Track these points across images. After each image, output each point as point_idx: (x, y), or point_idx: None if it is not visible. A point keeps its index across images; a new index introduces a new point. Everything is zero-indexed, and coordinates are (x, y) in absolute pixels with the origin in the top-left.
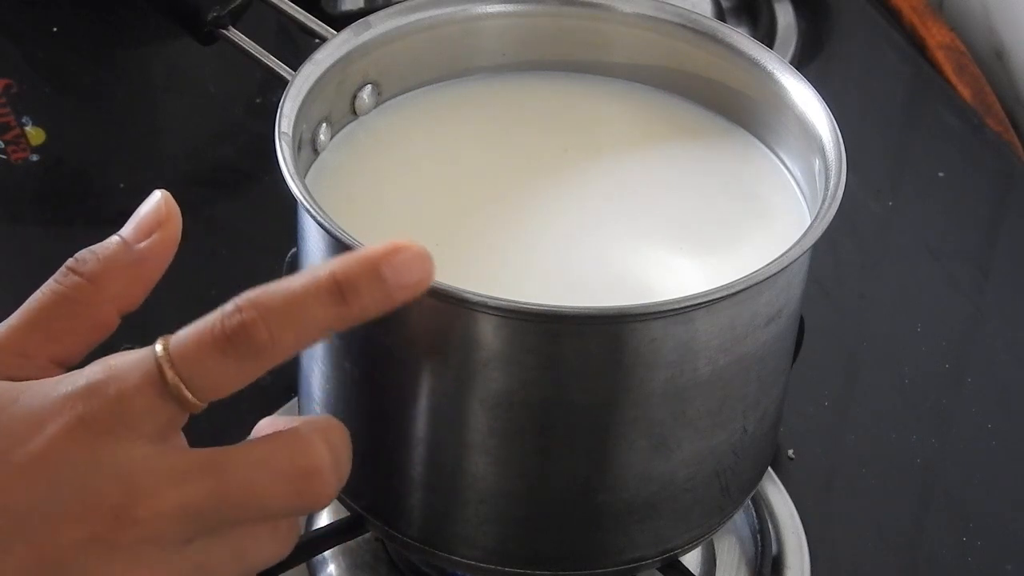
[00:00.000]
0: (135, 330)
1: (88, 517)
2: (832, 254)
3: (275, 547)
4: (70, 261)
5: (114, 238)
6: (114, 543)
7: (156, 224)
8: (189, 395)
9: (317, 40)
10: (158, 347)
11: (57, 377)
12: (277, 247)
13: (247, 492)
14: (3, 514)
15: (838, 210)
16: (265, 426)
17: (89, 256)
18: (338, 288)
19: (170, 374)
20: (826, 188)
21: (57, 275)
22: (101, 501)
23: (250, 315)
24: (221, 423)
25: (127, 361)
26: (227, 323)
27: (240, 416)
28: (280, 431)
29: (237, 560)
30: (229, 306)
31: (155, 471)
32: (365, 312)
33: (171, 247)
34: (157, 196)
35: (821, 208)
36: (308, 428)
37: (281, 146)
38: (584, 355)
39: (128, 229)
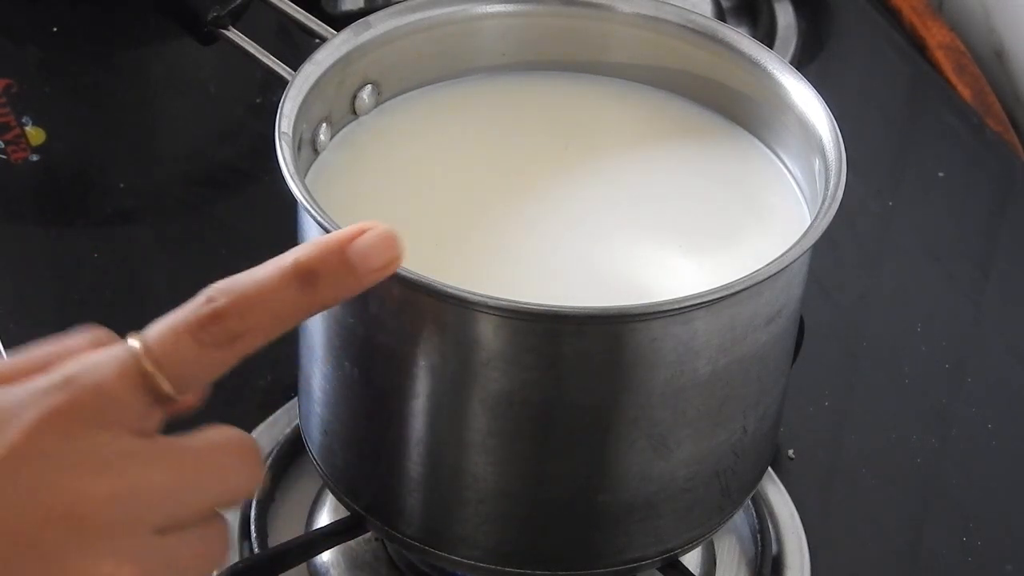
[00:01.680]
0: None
1: (66, 504)
2: (832, 254)
3: (217, 548)
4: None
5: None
6: (92, 530)
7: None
8: (166, 386)
9: (317, 40)
10: (132, 340)
11: (26, 379)
12: (277, 247)
13: (217, 475)
14: None
15: (838, 210)
16: None
17: (103, 331)
18: (305, 274)
19: (147, 365)
20: (826, 188)
21: (76, 332)
22: (80, 489)
23: (222, 303)
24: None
25: (103, 355)
26: (200, 312)
27: (240, 417)
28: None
29: (179, 561)
30: (200, 296)
31: (133, 459)
32: (336, 296)
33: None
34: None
35: (821, 208)
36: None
37: (281, 146)
38: (584, 355)
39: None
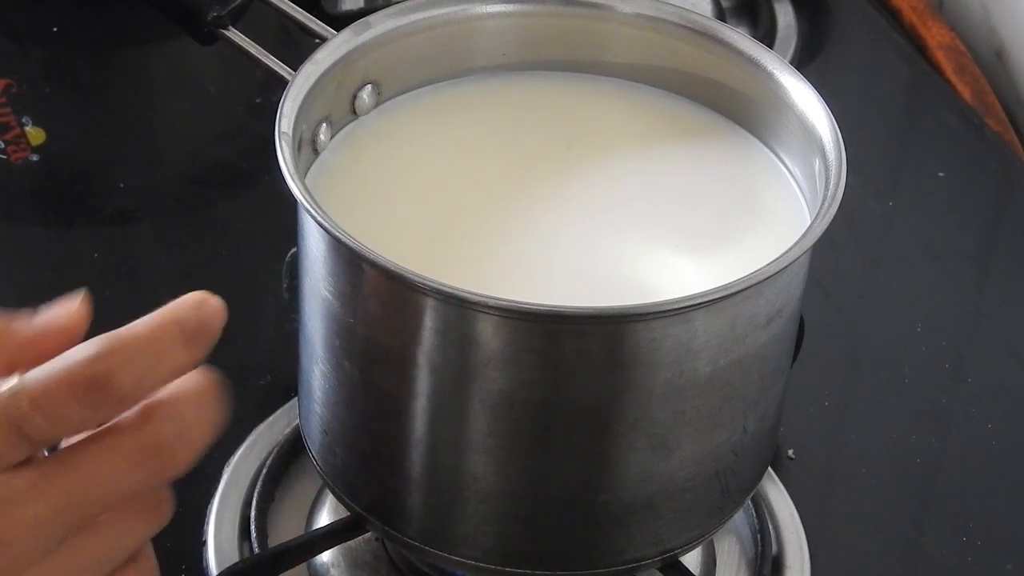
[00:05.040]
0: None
1: None
2: (832, 254)
3: (150, 519)
4: None
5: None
6: None
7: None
8: (42, 436)
9: (317, 40)
10: (15, 382)
11: None
12: (277, 247)
13: (99, 485)
14: None
15: (838, 210)
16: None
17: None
18: (186, 330)
19: (26, 412)
20: (826, 188)
21: None
22: None
23: (112, 363)
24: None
25: None
26: (89, 371)
27: (240, 416)
28: (128, 414)
29: (113, 546)
30: (91, 350)
31: (6, 495)
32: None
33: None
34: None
35: (821, 208)
36: (155, 402)
37: (281, 146)
38: (584, 355)
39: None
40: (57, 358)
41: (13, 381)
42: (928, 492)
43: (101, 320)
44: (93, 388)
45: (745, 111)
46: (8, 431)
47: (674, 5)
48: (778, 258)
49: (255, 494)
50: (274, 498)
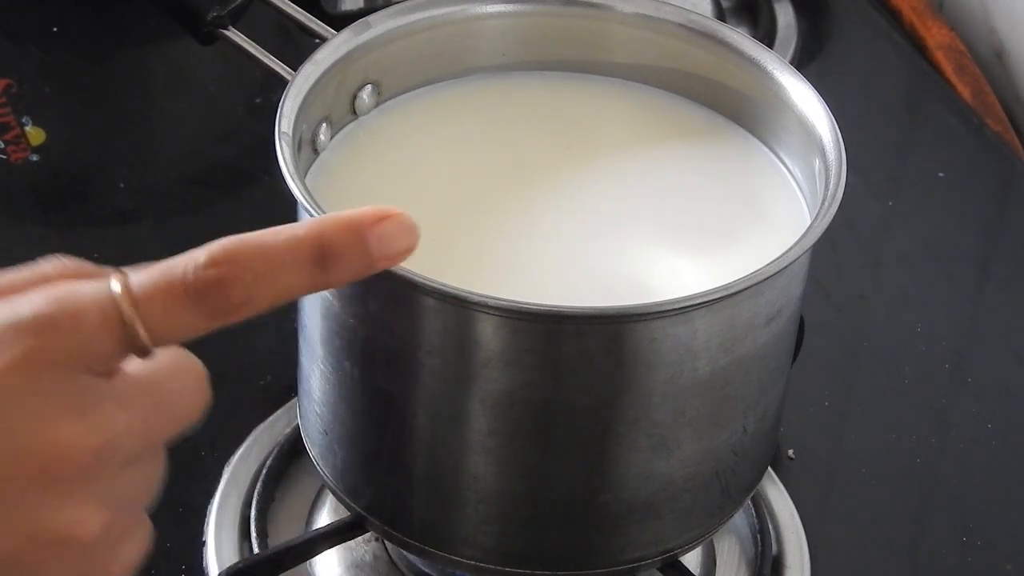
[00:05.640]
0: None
1: (41, 453)
2: (832, 254)
3: (158, 479)
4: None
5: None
6: (68, 477)
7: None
8: (144, 338)
9: (317, 40)
10: (116, 285)
11: None
12: None
13: (175, 406)
14: None
15: (838, 210)
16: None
17: (72, 260)
18: (321, 254)
19: (128, 312)
20: (826, 188)
21: (45, 261)
22: (54, 436)
23: (227, 272)
24: (220, 423)
25: (79, 295)
26: (202, 276)
27: (240, 417)
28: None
29: (149, 487)
30: (202, 254)
31: (105, 402)
32: (342, 279)
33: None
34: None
35: (821, 208)
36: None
37: (281, 146)
38: (584, 355)
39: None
40: (168, 260)
41: (114, 281)
42: (928, 492)
43: None
44: (204, 291)
45: (745, 111)
46: (110, 330)
47: (674, 5)
48: (778, 258)
49: (255, 494)
50: (274, 498)
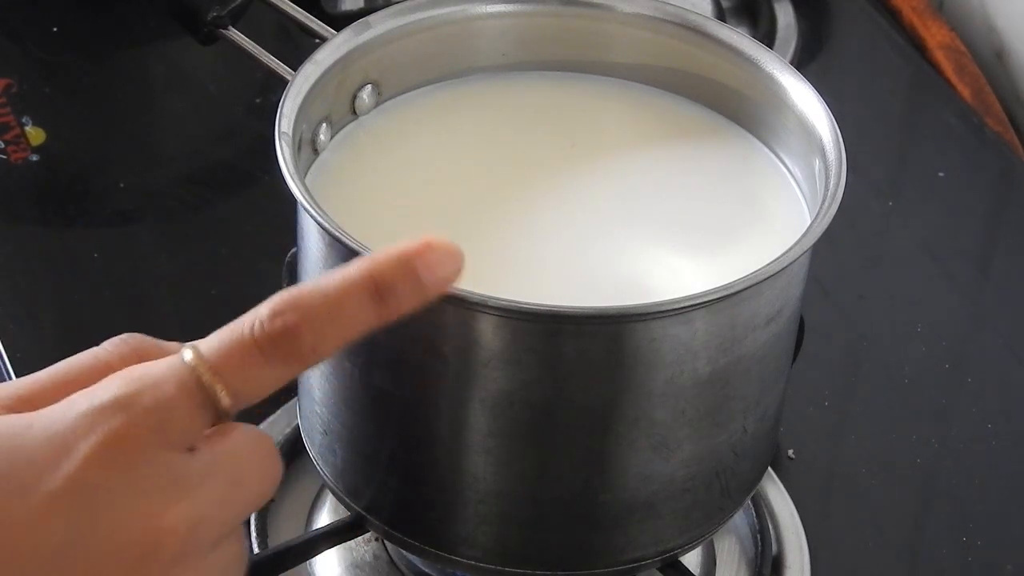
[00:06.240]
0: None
1: (136, 536)
2: (832, 254)
3: (242, 557)
4: (127, 335)
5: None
6: (163, 559)
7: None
8: (225, 400)
9: (317, 40)
10: (188, 355)
11: (66, 400)
12: (277, 247)
13: (254, 479)
14: (37, 552)
15: (838, 210)
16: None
17: (133, 338)
18: (376, 288)
19: (206, 377)
20: (826, 188)
21: (107, 343)
22: (148, 519)
23: (292, 319)
24: None
25: (155, 371)
26: (268, 328)
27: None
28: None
29: (240, 556)
30: (264, 310)
31: (193, 479)
32: (400, 310)
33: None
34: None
35: (821, 208)
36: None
37: (281, 146)
38: (584, 355)
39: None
40: (226, 327)
41: (185, 351)
42: (928, 492)
43: (101, 319)
44: (277, 341)
45: (745, 111)
46: (192, 400)
47: (674, 5)
48: (778, 258)
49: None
50: (274, 498)
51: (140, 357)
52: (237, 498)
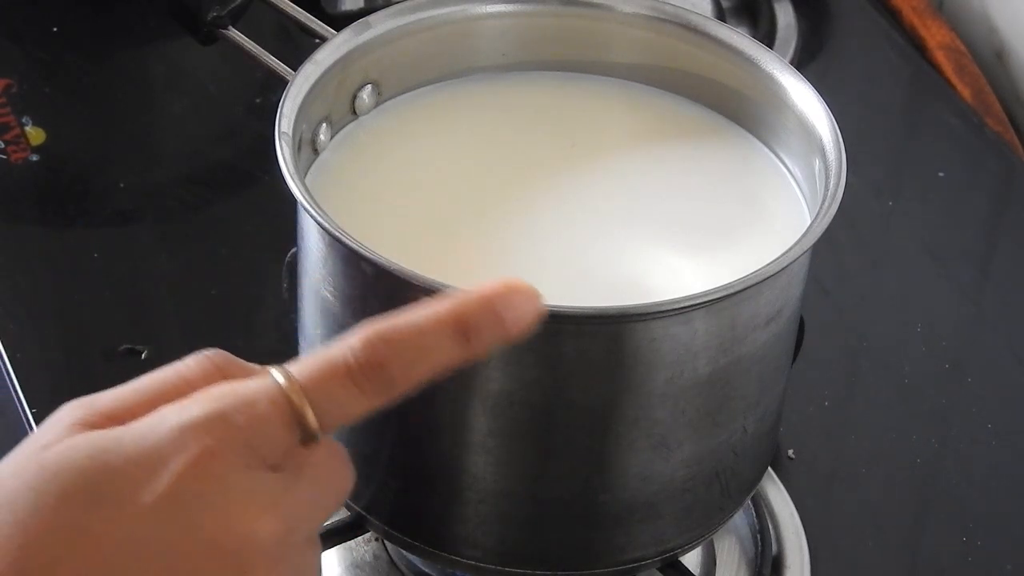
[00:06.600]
0: (135, 328)
1: (230, 550)
2: (832, 254)
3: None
4: (211, 352)
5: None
6: (258, 569)
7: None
8: (313, 423)
9: (317, 40)
10: (279, 376)
11: (155, 414)
12: (277, 247)
13: (332, 491)
14: (135, 563)
15: (838, 210)
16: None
17: (217, 355)
18: (462, 328)
19: (296, 399)
20: (826, 188)
21: (189, 359)
22: (241, 533)
23: (384, 352)
24: None
25: (246, 389)
26: (359, 357)
27: None
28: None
29: (317, 562)
30: (356, 340)
31: (284, 493)
32: (484, 349)
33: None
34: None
35: (821, 208)
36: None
37: (281, 146)
38: (584, 355)
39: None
40: (315, 353)
41: (276, 372)
42: (928, 492)
43: (101, 319)
44: (367, 371)
45: (745, 111)
46: (283, 420)
47: (674, 5)
48: (778, 258)
49: None
50: None
51: (223, 375)
52: (319, 507)
